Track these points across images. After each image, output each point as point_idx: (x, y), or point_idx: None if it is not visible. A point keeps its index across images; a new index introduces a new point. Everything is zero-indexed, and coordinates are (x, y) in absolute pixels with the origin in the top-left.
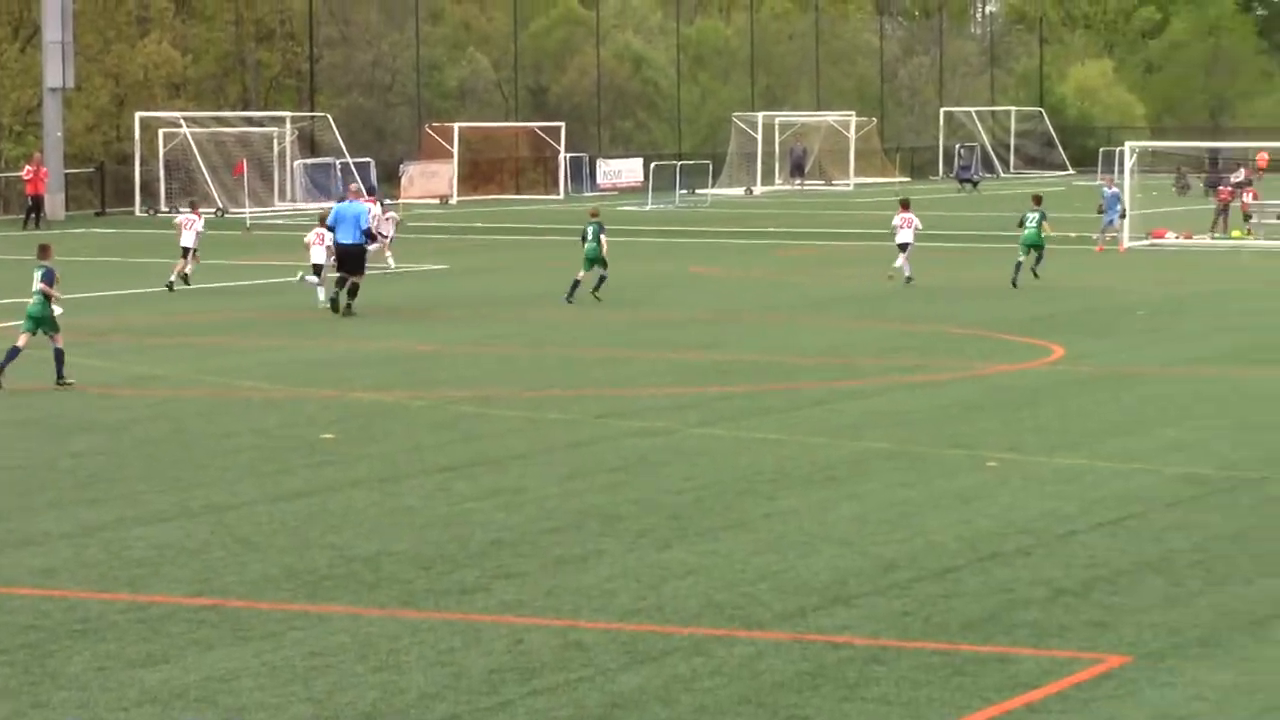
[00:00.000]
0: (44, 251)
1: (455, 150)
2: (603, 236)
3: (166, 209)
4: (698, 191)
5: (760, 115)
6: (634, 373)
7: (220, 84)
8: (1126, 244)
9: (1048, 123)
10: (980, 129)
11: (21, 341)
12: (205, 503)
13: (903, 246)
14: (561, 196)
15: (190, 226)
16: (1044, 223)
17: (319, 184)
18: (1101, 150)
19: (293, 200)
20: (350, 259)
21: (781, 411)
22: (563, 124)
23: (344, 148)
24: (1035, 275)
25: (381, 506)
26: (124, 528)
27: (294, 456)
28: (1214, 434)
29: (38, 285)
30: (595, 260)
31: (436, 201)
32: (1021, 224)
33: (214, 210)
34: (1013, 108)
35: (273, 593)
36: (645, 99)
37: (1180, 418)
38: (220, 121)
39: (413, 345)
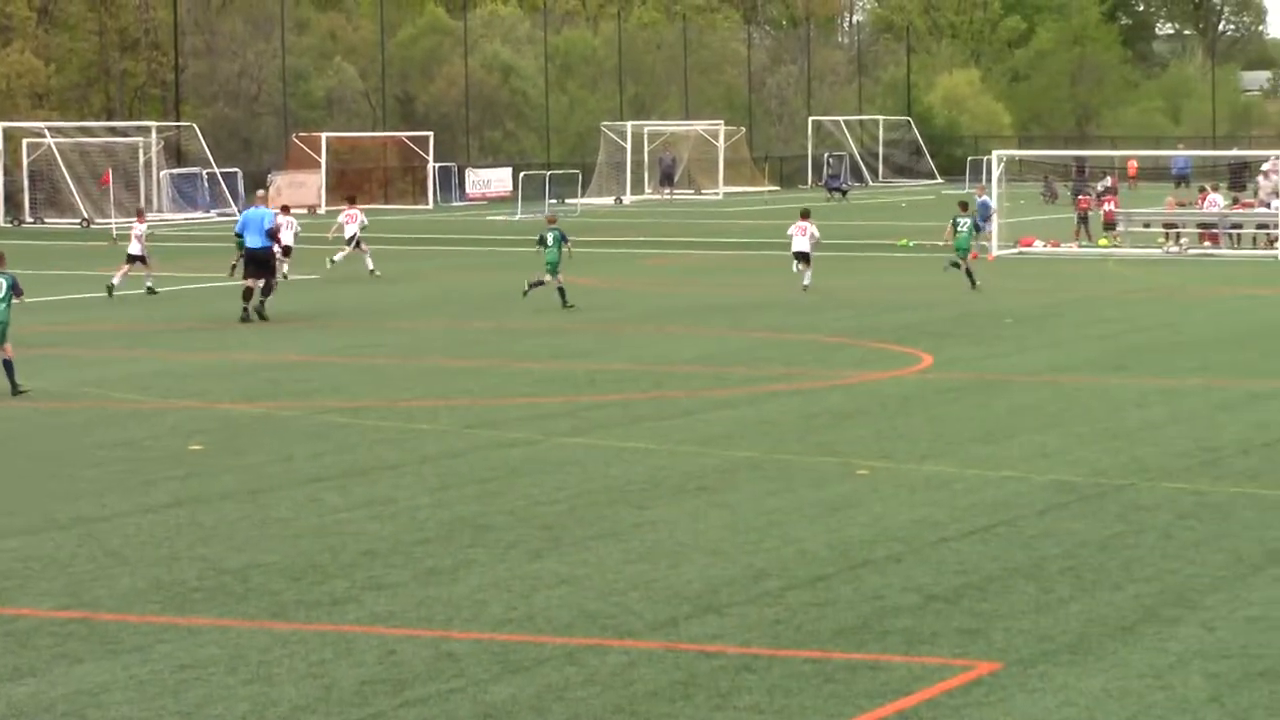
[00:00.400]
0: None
1: (323, 160)
2: (565, 245)
3: (31, 219)
4: (567, 201)
5: (629, 124)
6: (505, 383)
7: (84, 94)
8: (995, 252)
9: (916, 131)
10: (848, 138)
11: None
12: (74, 515)
13: (800, 256)
14: (430, 206)
15: (136, 234)
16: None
17: (185, 194)
18: (969, 159)
19: (159, 210)
20: (259, 263)
21: (652, 420)
22: (431, 133)
23: (210, 158)
24: (954, 270)
25: (251, 518)
26: None
27: (163, 468)
28: (1081, 441)
29: (4, 292)
30: (555, 266)
31: (304, 212)
32: (955, 227)
33: (79, 221)
34: (880, 117)
35: (141, 605)
36: (514, 108)
37: (1048, 425)
38: (85, 131)
39: (283, 355)
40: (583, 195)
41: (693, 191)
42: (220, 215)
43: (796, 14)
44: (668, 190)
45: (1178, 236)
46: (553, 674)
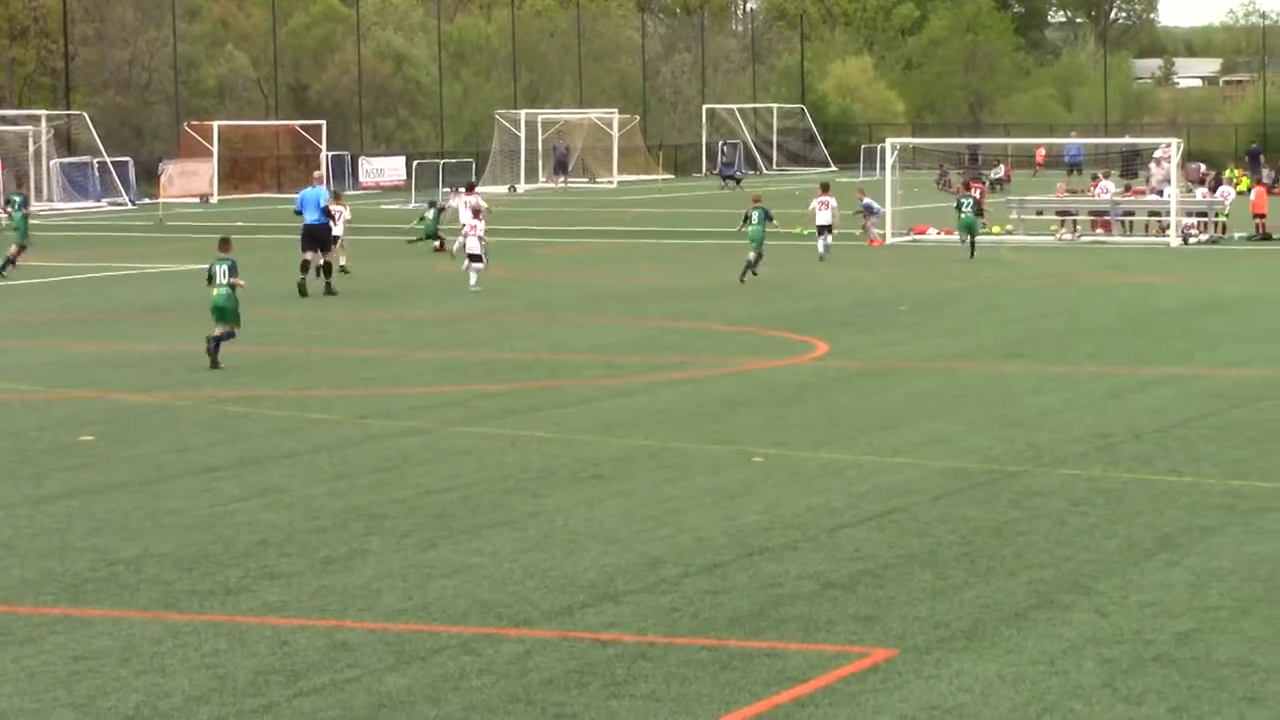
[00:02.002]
0: (225, 245)
1: (215, 149)
2: (770, 221)
3: None
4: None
5: (523, 113)
6: (400, 372)
7: None
8: (889, 240)
9: (810, 119)
10: (743, 126)
11: (218, 331)
12: None
13: (822, 229)
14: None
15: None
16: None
17: (76, 183)
18: (863, 146)
19: (50, 200)
20: (316, 237)
21: (547, 409)
22: (324, 122)
23: (101, 146)
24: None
25: (144, 508)
26: None
27: (53, 459)
28: (975, 428)
29: (225, 278)
30: (760, 242)
31: (197, 201)
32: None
33: None
34: (775, 105)
35: (33, 597)
36: (407, 96)
37: (943, 412)
38: None
39: (177, 346)
40: (477, 184)
41: (587, 180)
42: (111, 204)
43: (690, 2)
44: (562, 179)
45: (1072, 224)
46: (448, 663)
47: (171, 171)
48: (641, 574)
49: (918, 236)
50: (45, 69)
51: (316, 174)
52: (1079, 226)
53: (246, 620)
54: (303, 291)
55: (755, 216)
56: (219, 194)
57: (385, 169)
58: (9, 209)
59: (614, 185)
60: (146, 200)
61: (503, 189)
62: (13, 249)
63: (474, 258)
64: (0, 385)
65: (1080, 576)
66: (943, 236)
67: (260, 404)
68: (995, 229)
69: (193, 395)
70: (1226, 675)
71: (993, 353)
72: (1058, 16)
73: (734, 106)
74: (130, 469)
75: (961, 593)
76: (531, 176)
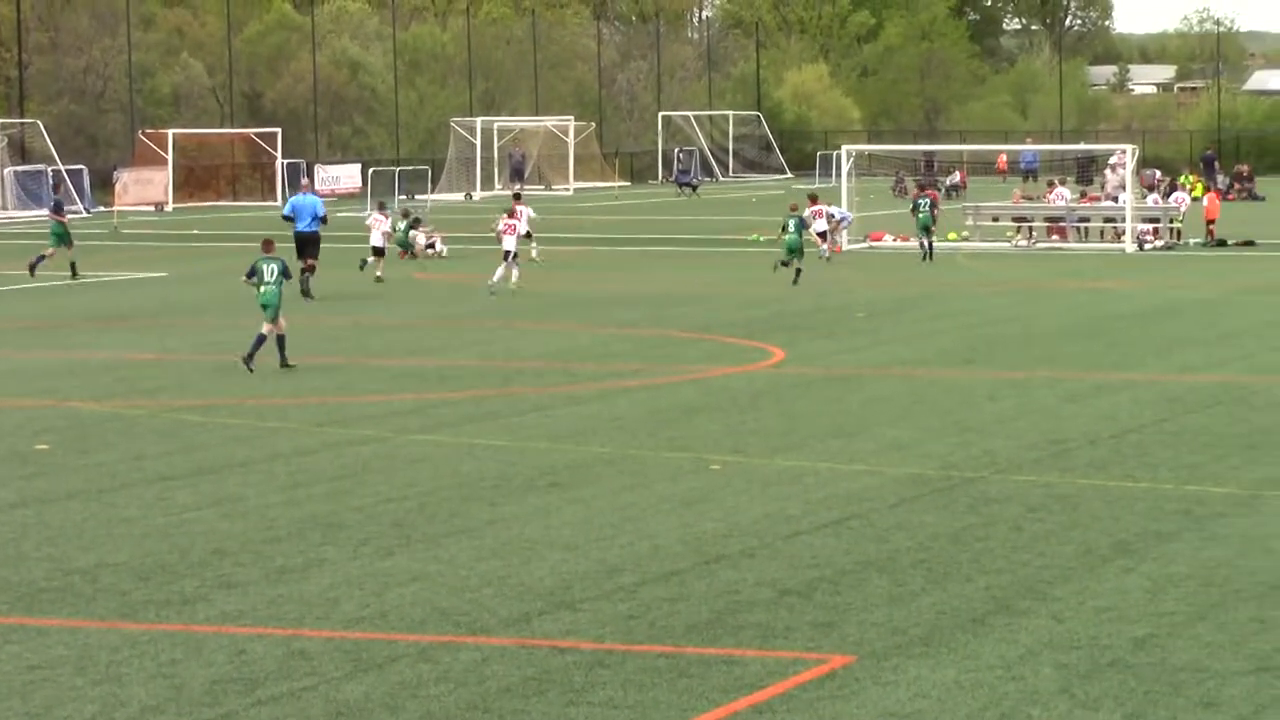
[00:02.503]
0: (269, 246)
1: (170, 157)
2: (806, 231)
3: None
4: (417, 197)
5: (479, 120)
6: (355, 379)
7: None
8: (844, 246)
9: (766, 126)
10: (699, 133)
11: (266, 329)
12: None
13: (822, 234)
14: (279, 202)
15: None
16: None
17: (30, 191)
18: (819, 153)
19: (3, 208)
20: (308, 245)
21: (503, 417)
22: (279, 130)
23: (56, 155)
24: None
25: (99, 517)
26: None
27: (8, 468)
28: (932, 435)
29: (275, 277)
30: (794, 250)
31: (152, 209)
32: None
33: None
34: (731, 112)
35: None
36: (362, 104)
37: (899, 419)
38: None
39: (132, 354)
40: (433, 191)
41: (543, 187)
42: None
43: (646, 9)
44: (518, 186)
45: (1028, 230)
46: (406, 671)
47: (126, 179)
48: (599, 581)
49: (874, 243)
50: None
51: (305, 181)
52: (1034, 233)
53: (203, 629)
54: (306, 293)
55: (792, 225)
56: (174, 202)
57: (341, 176)
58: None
59: (570, 192)
60: (101, 208)
61: (458, 196)
62: (48, 250)
63: (510, 255)
64: None
65: (1037, 582)
66: (899, 243)
67: (216, 412)
68: (951, 235)
69: (148, 404)
70: (1183, 680)
71: (949, 359)
72: (1013, 24)
73: (690, 114)
74: (85, 478)
75: (919, 599)
76: (487, 184)
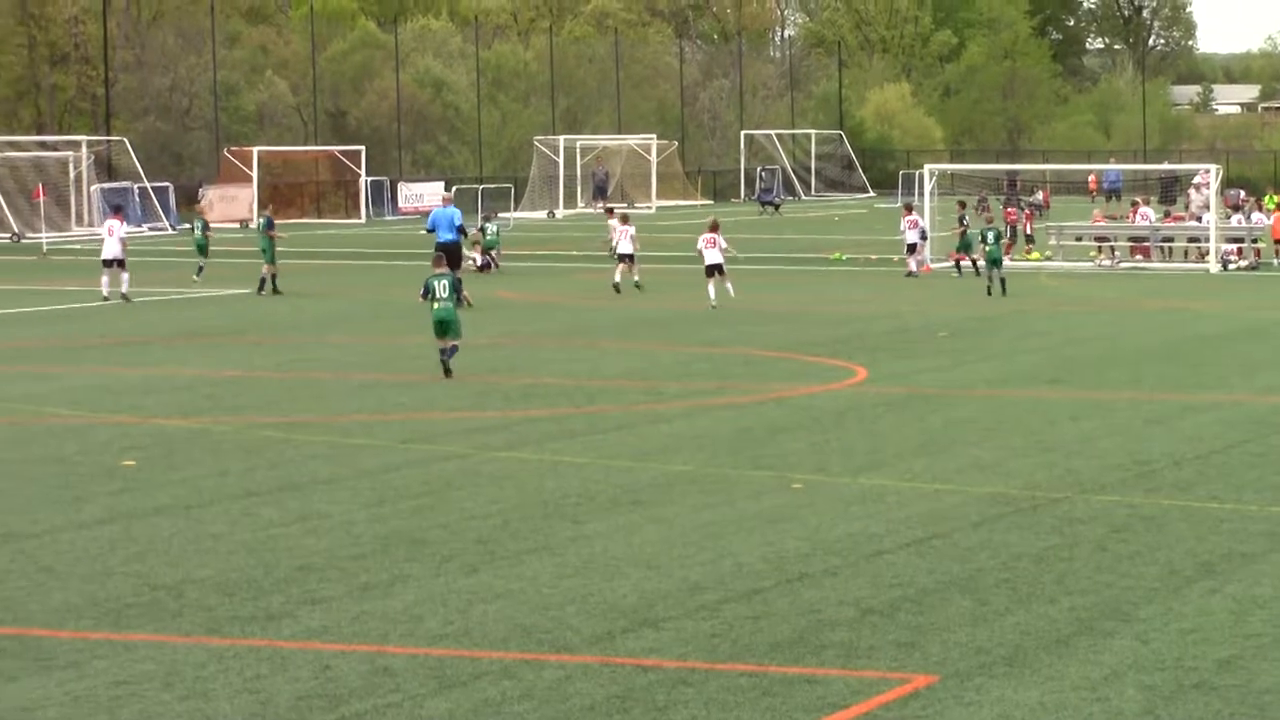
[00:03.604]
0: (440, 262)
1: (255, 174)
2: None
3: None
4: (500, 215)
5: (561, 138)
6: (438, 397)
7: (14, 108)
8: (930, 265)
9: (848, 145)
10: (781, 152)
11: (447, 344)
12: (4, 531)
13: (911, 247)
14: (363, 220)
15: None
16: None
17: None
18: (901, 173)
19: (89, 225)
20: (448, 254)
21: (586, 435)
22: (363, 148)
23: (141, 172)
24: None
25: (185, 533)
26: None
27: (95, 483)
28: (1015, 454)
29: (447, 293)
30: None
31: (236, 226)
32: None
33: (9, 236)
34: (813, 130)
35: (75, 621)
36: (446, 122)
37: (983, 439)
38: (14, 145)
39: (216, 370)
40: (516, 209)
41: (626, 205)
42: (152, 230)
43: (728, 28)
44: (600, 204)
45: (1110, 250)
46: (489, 689)
47: (211, 196)
48: (682, 600)
49: (953, 263)
50: (86, 95)
51: (446, 196)
52: (1118, 252)
53: (288, 645)
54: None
55: (990, 236)
56: (259, 219)
57: (424, 194)
58: (258, 229)
59: (652, 211)
60: (186, 225)
61: (541, 214)
62: (265, 269)
63: (626, 258)
64: (44, 409)
65: (1121, 603)
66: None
67: (299, 429)
68: (1034, 255)
69: (233, 420)
70: (1268, 703)
71: (1032, 379)
72: (1096, 43)
73: (772, 132)
74: (171, 493)
75: (1002, 619)
76: (570, 202)
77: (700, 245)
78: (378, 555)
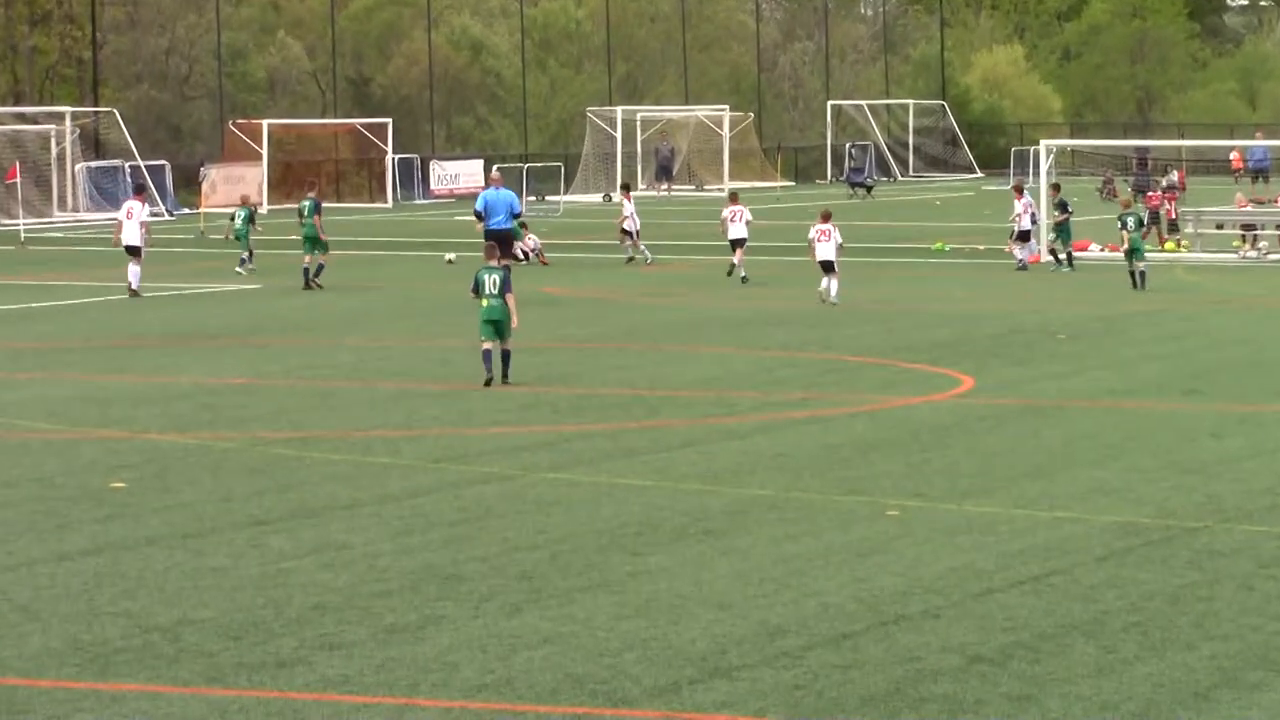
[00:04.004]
0: (491, 253)
1: (265, 151)
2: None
3: None
4: (548, 198)
5: (619, 110)
6: (476, 409)
7: None
8: (1043, 257)
9: (951, 118)
10: (874, 125)
11: (488, 347)
12: None
13: (1024, 234)
14: (389, 204)
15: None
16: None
17: (105, 190)
18: (1013, 149)
19: (74, 210)
20: (501, 243)
21: (648, 453)
22: (389, 120)
23: (134, 148)
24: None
25: (183, 567)
26: None
27: (79, 509)
28: (1147, 477)
29: (497, 289)
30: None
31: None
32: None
33: None
34: (911, 101)
35: (56, 668)
36: (485, 91)
37: (1109, 458)
38: None
39: (221, 378)
40: (565, 192)
41: (693, 187)
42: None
43: None
44: (664, 186)
45: (1254, 239)
46: None
47: (214, 177)
48: (759, 645)
49: (1078, 254)
50: (70, 59)
51: (495, 174)
52: (1265, 242)
53: (302, 697)
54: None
55: (1131, 223)
56: (269, 203)
57: (460, 174)
58: (302, 216)
59: (724, 194)
60: (186, 210)
61: (595, 197)
62: (308, 258)
63: (738, 243)
64: (19, 423)
65: (1270, 650)
66: (1108, 253)
67: (315, 446)
68: (1169, 245)
69: (237, 436)
70: None
71: (1165, 389)
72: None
73: (863, 103)
74: (166, 521)
75: (1131, 669)
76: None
77: (812, 236)
78: (405, 593)
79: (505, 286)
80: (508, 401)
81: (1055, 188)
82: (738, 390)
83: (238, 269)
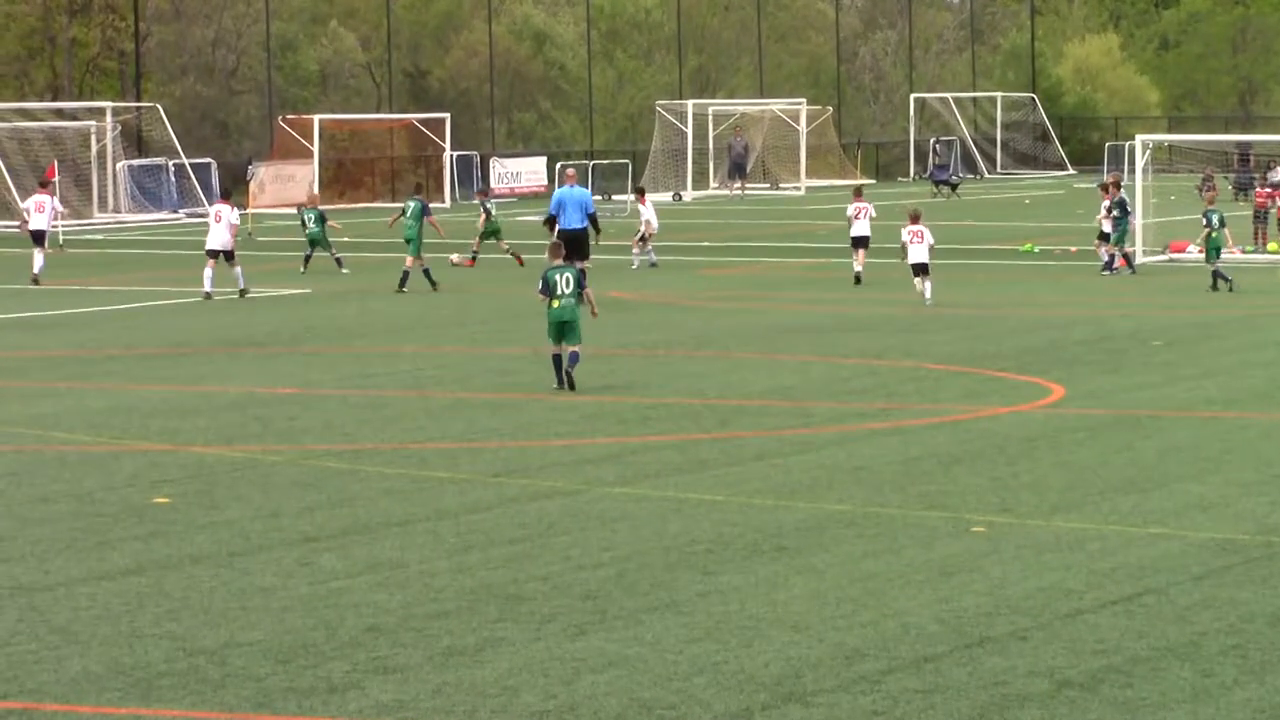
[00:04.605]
0: (556, 251)
1: (316, 148)
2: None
3: None
4: (614, 198)
5: (690, 104)
6: (537, 420)
7: (25, 67)
8: (1139, 258)
9: (1042, 112)
10: (959, 119)
11: (565, 349)
12: (12, 583)
13: (919, 268)
14: (447, 204)
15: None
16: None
17: (148, 190)
18: (1108, 145)
19: (115, 211)
20: (575, 244)
21: (718, 466)
22: (447, 116)
23: (178, 145)
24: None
25: (229, 587)
26: None
27: (120, 525)
28: (1246, 491)
29: (571, 288)
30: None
31: (294, 211)
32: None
33: (17, 224)
34: (999, 94)
35: (96, 694)
36: (549, 84)
37: (1207, 471)
38: (24, 114)
39: (269, 388)
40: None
41: (768, 185)
42: (190, 216)
43: None
44: (738, 184)
45: None
46: None
47: (263, 176)
48: (836, 669)
49: (1175, 255)
50: (111, 52)
51: (569, 172)
52: None
53: None
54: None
55: (1215, 220)
56: (321, 203)
57: (522, 172)
58: (404, 217)
59: (801, 192)
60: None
61: (665, 196)
62: (411, 260)
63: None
64: (56, 434)
65: None
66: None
67: (368, 459)
68: (1272, 247)
69: (286, 448)
70: None
71: (1267, 398)
72: None
73: (948, 96)
74: (212, 538)
75: (1229, 694)
76: (700, 181)
77: (905, 239)
78: (463, 614)
79: (580, 284)
80: (571, 412)
81: (1115, 185)
82: (814, 400)
83: (343, 270)
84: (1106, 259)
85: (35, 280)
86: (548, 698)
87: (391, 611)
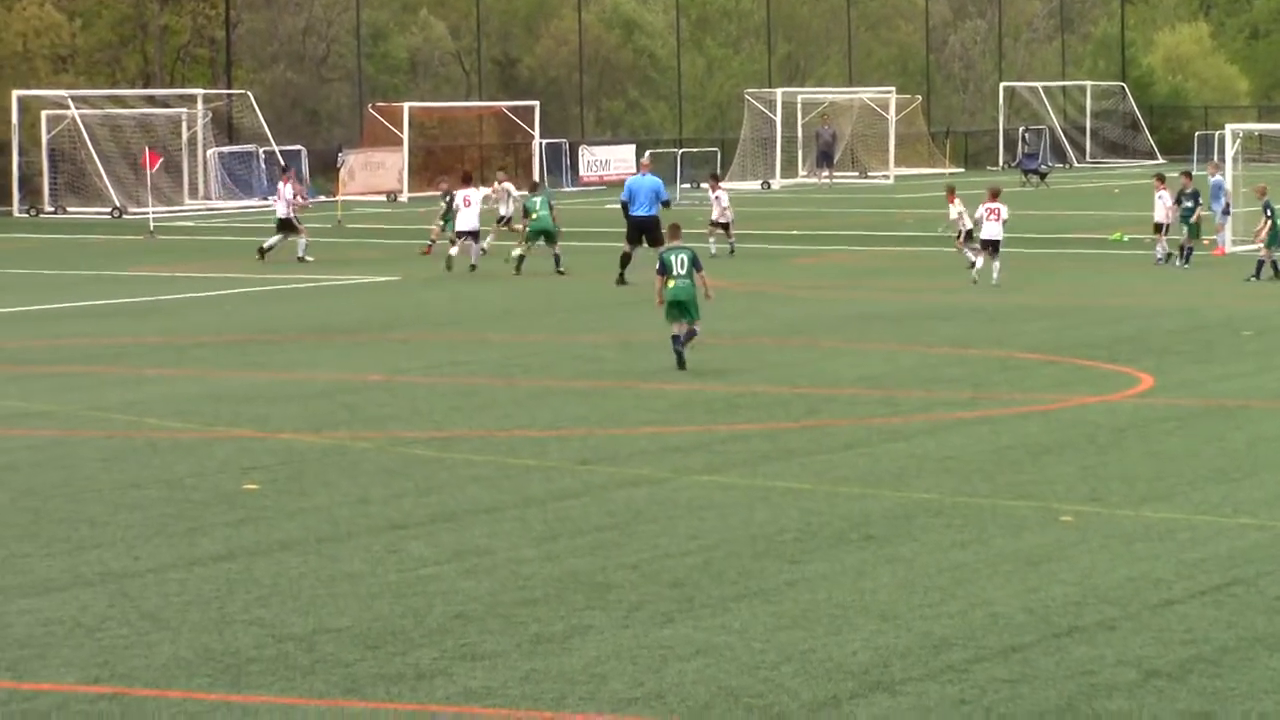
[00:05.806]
0: (676, 232)
1: (405, 136)
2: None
3: (51, 208)
4: (703, 185)
5: (779, 92)
6: (625, 408)
7: (116, 55)
8: (1228, 248)
9: (1132, 101)
10: (1049, 108)
11: (680, 329)
12: (103, 569)
13: (990, 244)
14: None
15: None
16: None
17: (238, 177)
18: (1197, 134)
19: (205, 198)
20: (647, 231)
21: (806, 455)
22: (537, 103)
23: (268, 133)
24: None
25: (318, 573)
26: (4, 599)
27: (210, 512)
28: None
29: (686, 269)
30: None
31: (383, 198)
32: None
33: (109, 210)
34: (1089, 83)
35: (186, 679)
36: (638, 73)
37: None
38: (116, 101)
39: (359, 375)
40: (722, 178)
41: (857, 174)
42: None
43: None
44: (826, 172)
45: None
46: None
47: (353, 163)
48: (923, 658)
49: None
50: (203, 40)
51: (645, 160)
52: None
53: (443, 710)
54: (622, 280)
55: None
56: (409, 190)
57: (611, 160)
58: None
59: (890, 181)
60: (323, 197)
61: (754, 184)
62: (555, 248)
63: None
64: (147, 421)
65: None
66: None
67: (456, 446)
68: None
69: (375, 435)
70: None
71: None
72: None
73: (1038, 85)
74: (301, 525)
75: None
76: (789, 169)
77: (980, 214)
78: (551, 601)
79: (695, 265)
80: (659, 400)
81: (1187, 176)
82: (903, 389)
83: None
84: (1162, 254)
85: (301, 259)
86: (635, 685)
87: (479, 599)
